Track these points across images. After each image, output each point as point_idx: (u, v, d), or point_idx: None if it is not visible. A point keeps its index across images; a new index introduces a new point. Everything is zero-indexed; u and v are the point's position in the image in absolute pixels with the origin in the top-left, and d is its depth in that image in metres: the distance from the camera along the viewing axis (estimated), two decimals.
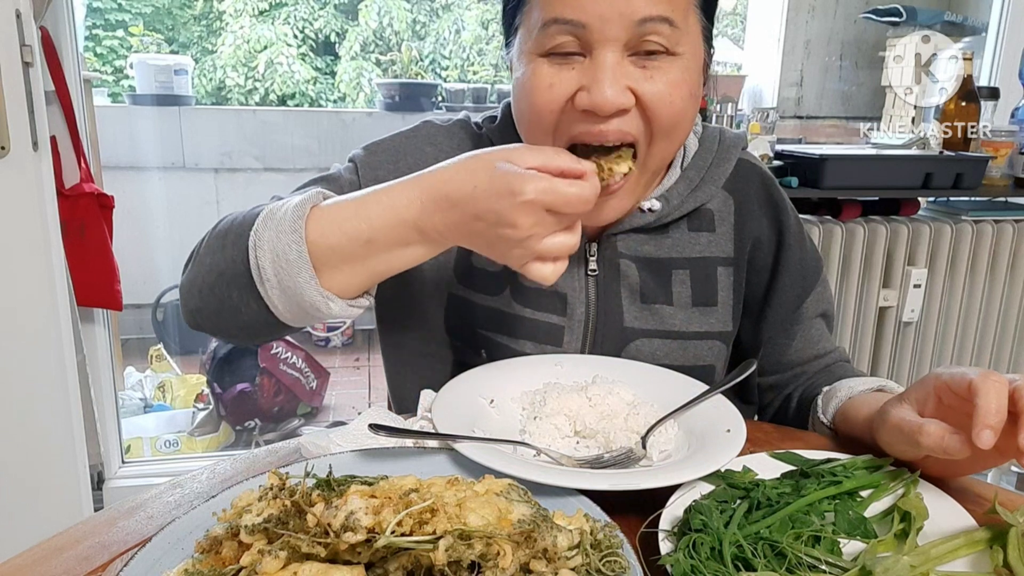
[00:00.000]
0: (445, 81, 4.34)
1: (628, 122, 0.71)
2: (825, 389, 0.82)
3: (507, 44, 0.78)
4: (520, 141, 0.80)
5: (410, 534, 0.44)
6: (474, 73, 4.58)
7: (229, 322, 0.73)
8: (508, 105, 0.87)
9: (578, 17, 0.67)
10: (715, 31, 0.78)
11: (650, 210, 0.84)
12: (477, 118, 0.91)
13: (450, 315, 0.87)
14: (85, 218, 1.75)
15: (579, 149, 0.73)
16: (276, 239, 0.66)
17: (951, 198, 1.99)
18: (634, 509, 0.57)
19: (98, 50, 4.22)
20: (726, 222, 0.88)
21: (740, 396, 0.92)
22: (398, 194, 0.67)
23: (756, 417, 0.97)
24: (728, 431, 0.66)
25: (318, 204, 0.69)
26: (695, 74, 0.73)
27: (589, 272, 0.85)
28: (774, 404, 0.94)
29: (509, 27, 0.77)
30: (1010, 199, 1.97)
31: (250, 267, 0.67)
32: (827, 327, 0.94)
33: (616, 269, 0.85)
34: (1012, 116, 1.94)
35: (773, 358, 0.92)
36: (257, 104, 4.40)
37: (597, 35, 0.67)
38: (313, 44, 4.62)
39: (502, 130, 0.86)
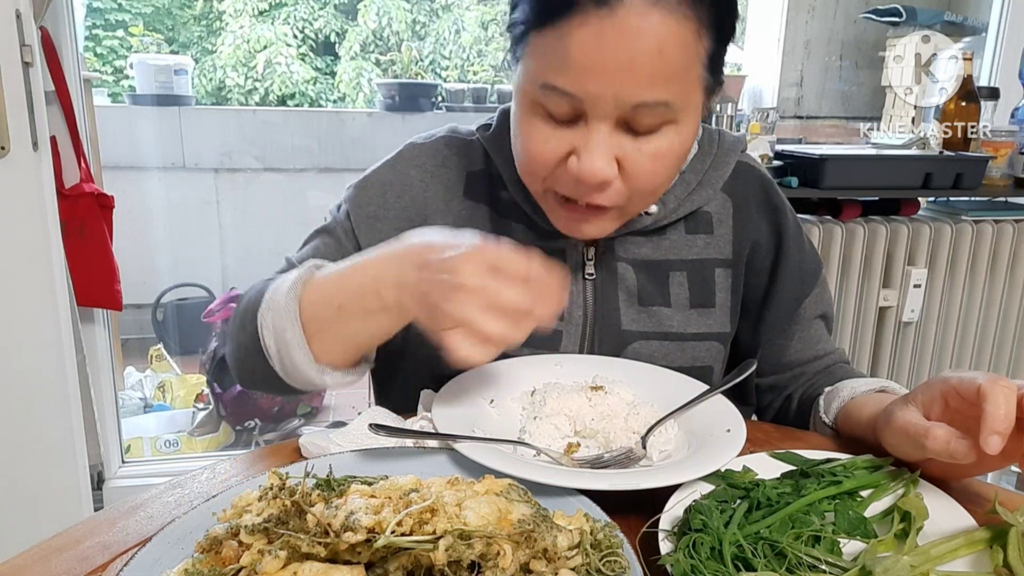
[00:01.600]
0: (445, 81, 4.34)
1: (606, 192, 0.71)
2: (827, 389, 0.82)
3: (512, 58, 0.76)
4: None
5: (410, 534, 0.44)
6: (474, 74, 4.58)
7: (270, 387, 0.77)
8: (504, 113, 0.86)
9: (574, 91, 0.66)
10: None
11: (647, 213, 0.84)
12: (470, 126, 0.91)
13: None
14: (85, 218, 1.75)
15: None
16: (276, 321, 0.70)
17: (951, 198, 1.99)
18: (634, 509, 0.57)
19: (98, 50, 4.21)
20: (724, 224, 0.88)
21: (738, 397, 0.92)
22: (371, 265, 0.69)
23: (756, 418, 0.97)
24: (728, 431, 0.67)
25: (310, 279, 0.72)
26: (690, 134, 0.72)
27: (586, 276, 0.85)
28: (774, 405, 0.94)
29: (513, 48, 0.75)
30: (1010, 199, 1.97)
31: (262, 347, 0.72)
32: (827, 329, 0.94)
33: (614, 273, 0.85)
34: (1012, 116, 1.93)
35: (772, 359, 0.92)
36: (257, 104, 4.40)
37: (591, 109, 0.67)
38: (313, 44, 4.62)
39: (497, 137, 0.86)
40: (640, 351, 0.85)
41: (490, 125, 0.89)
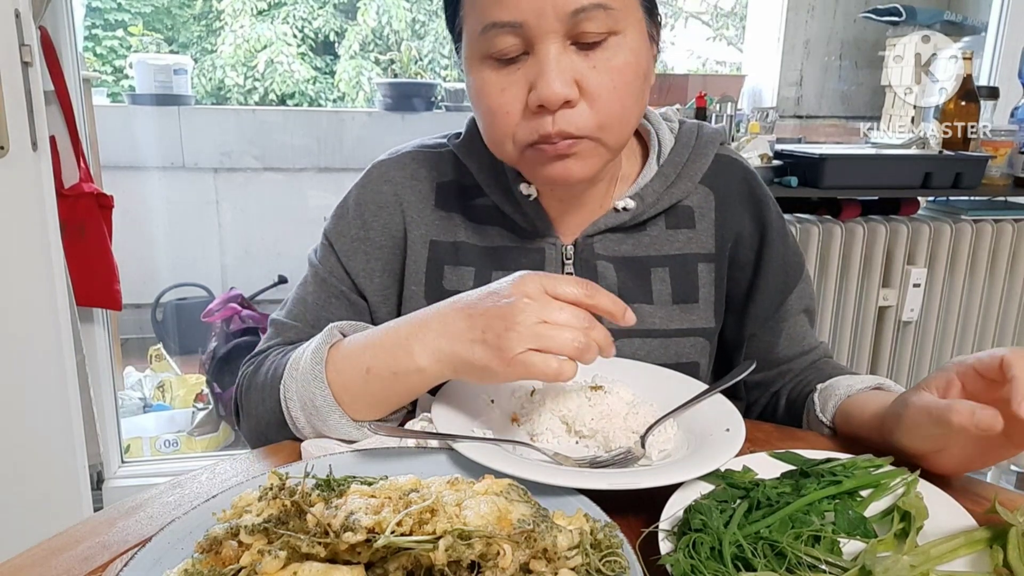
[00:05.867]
0: (445, 81, 4.34)
1: (574, 118, 0.70)
2: (820, 387, 0.82)
3: (456, 49, 0.78)
4: (487, 154, 0.81)
5: (410, 534, 0.44)
6: None
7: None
8: (473, 120, 0.86)
9: (513, 17, 0.67)
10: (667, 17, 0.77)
11: (624, 209, 0.84)
12: (439, 138, 0.91)
13: None
14: (85, 218, 1.75)
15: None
16: (302, 390, 0.71)
17: (951, 198, 1.99)
18: (634, 509, 0.57)
19: (98, 50, 4.21)
20: (706, 218, 0.87)
21: (730, 392, 0.92)
22: (402, 355, 0.68)
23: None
24: (727, 430, 0.66)
25: (336, 343, 0.73)
26: (641, 51, 0.73)
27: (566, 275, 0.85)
28: (760, 402, 0.93)
29: (452, 32, 0.77)
30: (1010, 199, 1.97)
31: (285, 417, 0.73)
32: (810, 323, 0.93)
33: (593, 271, 0.84)
34: (1012, 116, 1.94)
35: (759, 355, 0.91)
36: (257, 104, 4.39)
37: (535, 31, 0.68)
38: (312, 43, 4.62)
39: (468, 144, 0.87)
40: (623, 349, 0.83)
41: (460, 133, 0.89)
